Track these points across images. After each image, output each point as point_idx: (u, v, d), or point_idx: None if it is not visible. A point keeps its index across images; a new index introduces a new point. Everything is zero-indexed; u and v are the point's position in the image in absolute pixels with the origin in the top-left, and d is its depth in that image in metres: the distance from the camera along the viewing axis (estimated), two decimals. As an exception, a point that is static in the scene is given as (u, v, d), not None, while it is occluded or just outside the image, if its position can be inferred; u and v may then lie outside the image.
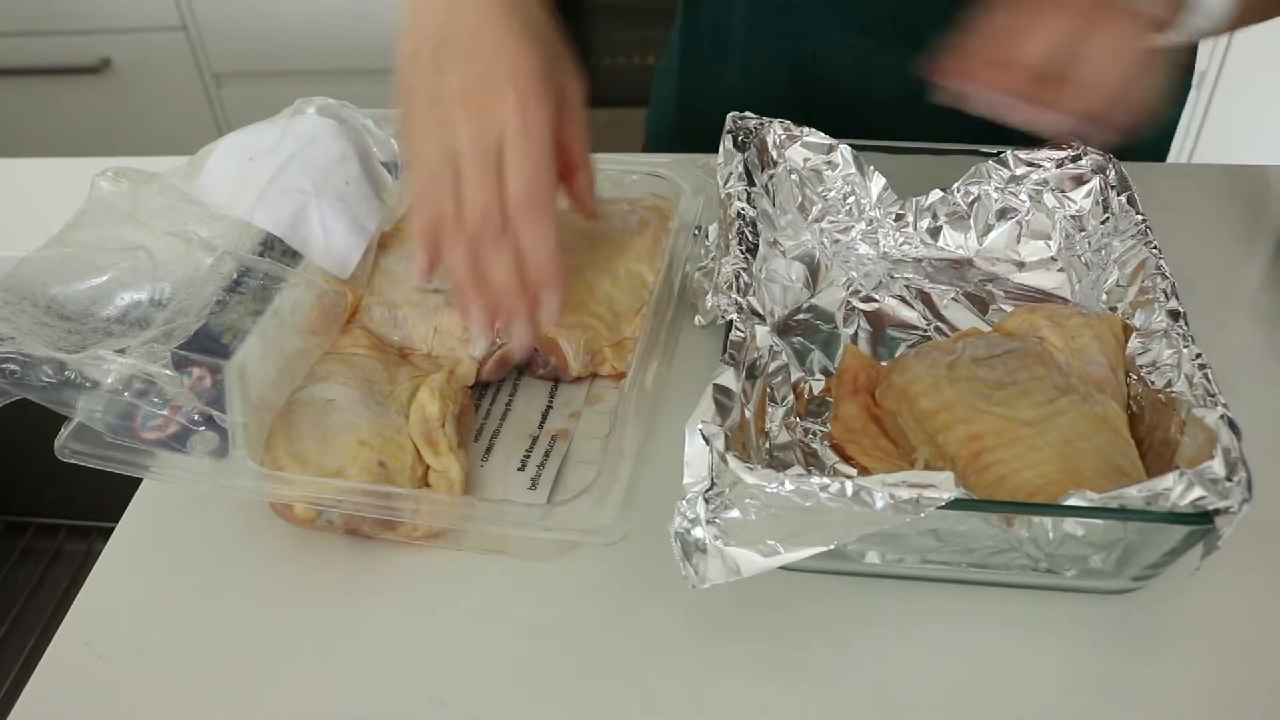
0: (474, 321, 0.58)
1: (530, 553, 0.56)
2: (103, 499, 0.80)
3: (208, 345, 0.54)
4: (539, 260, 0.56)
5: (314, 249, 0.62)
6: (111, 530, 0.59)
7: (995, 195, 0.70)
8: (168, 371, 0.52)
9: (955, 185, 0.70)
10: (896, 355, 0.63)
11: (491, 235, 0.56)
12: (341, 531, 0.57)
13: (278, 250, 0.60)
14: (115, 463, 0.53)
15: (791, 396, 0.59)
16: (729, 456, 0.46)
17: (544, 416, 0.63)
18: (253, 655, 0.52)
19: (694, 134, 0.88)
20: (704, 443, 0.47)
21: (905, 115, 0.73)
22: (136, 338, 0.53)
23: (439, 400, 0.58)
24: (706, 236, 0.67)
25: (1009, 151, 0.69)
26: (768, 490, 0.45)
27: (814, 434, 0.59)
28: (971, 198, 0.70)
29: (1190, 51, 0.89)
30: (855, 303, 0.67)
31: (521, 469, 0.60)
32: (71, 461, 0.53)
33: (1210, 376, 0.51)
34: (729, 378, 0.51)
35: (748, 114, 0.70)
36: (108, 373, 0.52)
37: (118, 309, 0.57)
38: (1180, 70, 0.88)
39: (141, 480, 0.60)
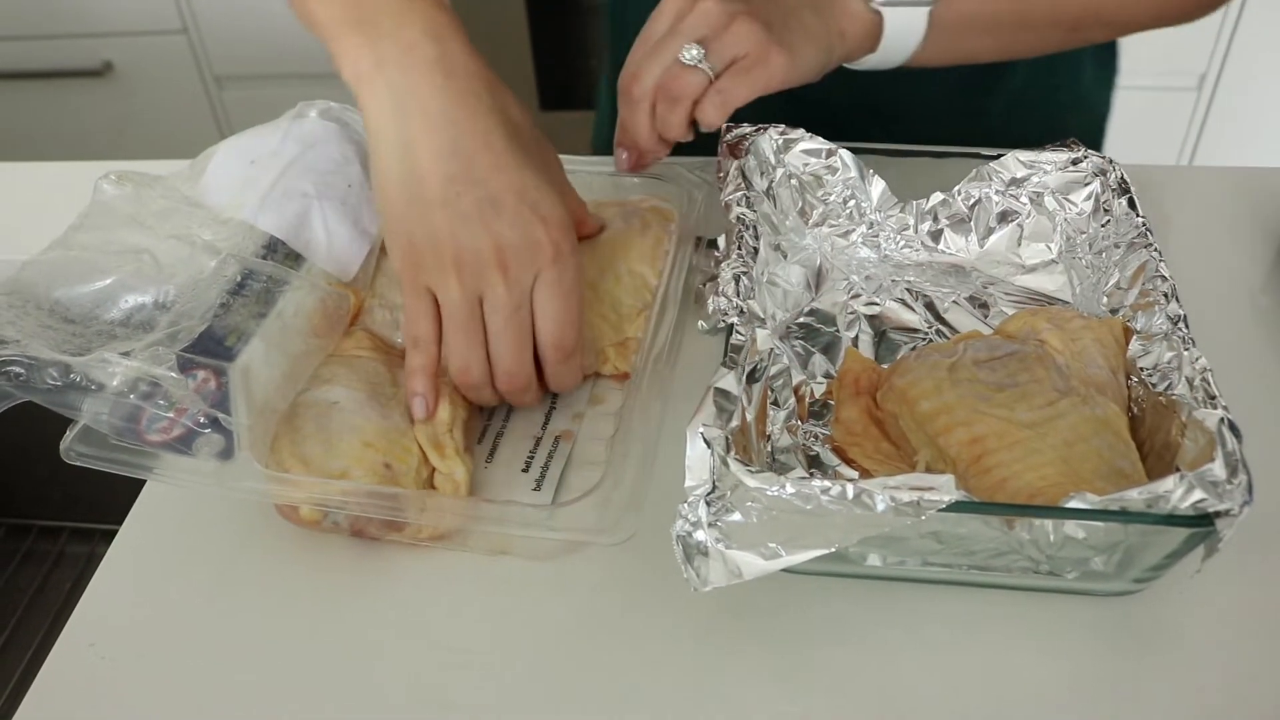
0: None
1: (536, 553, 0.56)
2: (106, 501, 0.80)
3: (212, 348, 0.54)
4: (564, 390, 0.62)
5: (317, 252, 0.62)
6: (114, 532, 0.59)
7: (996, 198, 0.70)
8: (173, 374, 0.52)
9: (956, 189, 0.70)
10: (898, 358, 0.63)
11: (520, 388, 0.59)
12: (347, 533, 0.57)
13: (281, 253, 0.61)
14: (120, 465, 0.53)
15: (793, 400, 0.60)
16: (730, 459, 0.46)
17: (547, 418, 0.63)
18: (257, 657, 0.53)
19: None
20: (705, 446, 0.47)
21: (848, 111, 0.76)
22: (141, 341, 0.53)
23: (448, 405, 0.58)
24: (715, 247, 0.67)
25: (1010, 154, 0.69)
26: (769, 493, 0.45)
27: (815, 437, 0.59)
28: (972, 201, 0.70)
29: (1109, 45, 0.91)
30: (856, 306, 0.67)
31: (525, 470, 0.60)
32: (77, 464, 0.53)
33: (1211, 379, 0.51)
34: (729, 381, 0.51)
35: (742, 124, 0.71)
36: (113, 375, 0.52)
37: (122, 312, 0.57)
38: (1102, 62, 0.89)
39: (145, 482, 0.60)
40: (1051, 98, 0.88)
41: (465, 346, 0.57)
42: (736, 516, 0.46)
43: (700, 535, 0.46)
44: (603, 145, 0.99)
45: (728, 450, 0.47)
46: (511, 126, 0.56)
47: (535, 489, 0.59)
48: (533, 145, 0.57)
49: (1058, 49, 0.77)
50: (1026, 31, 0.72)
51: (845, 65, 0.69)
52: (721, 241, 0.67)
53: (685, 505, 0.47)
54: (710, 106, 0.63)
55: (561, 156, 0.63)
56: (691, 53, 0.62)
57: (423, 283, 0.56)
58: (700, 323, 0.64)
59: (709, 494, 0.46)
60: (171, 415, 0.52)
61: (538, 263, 0.55)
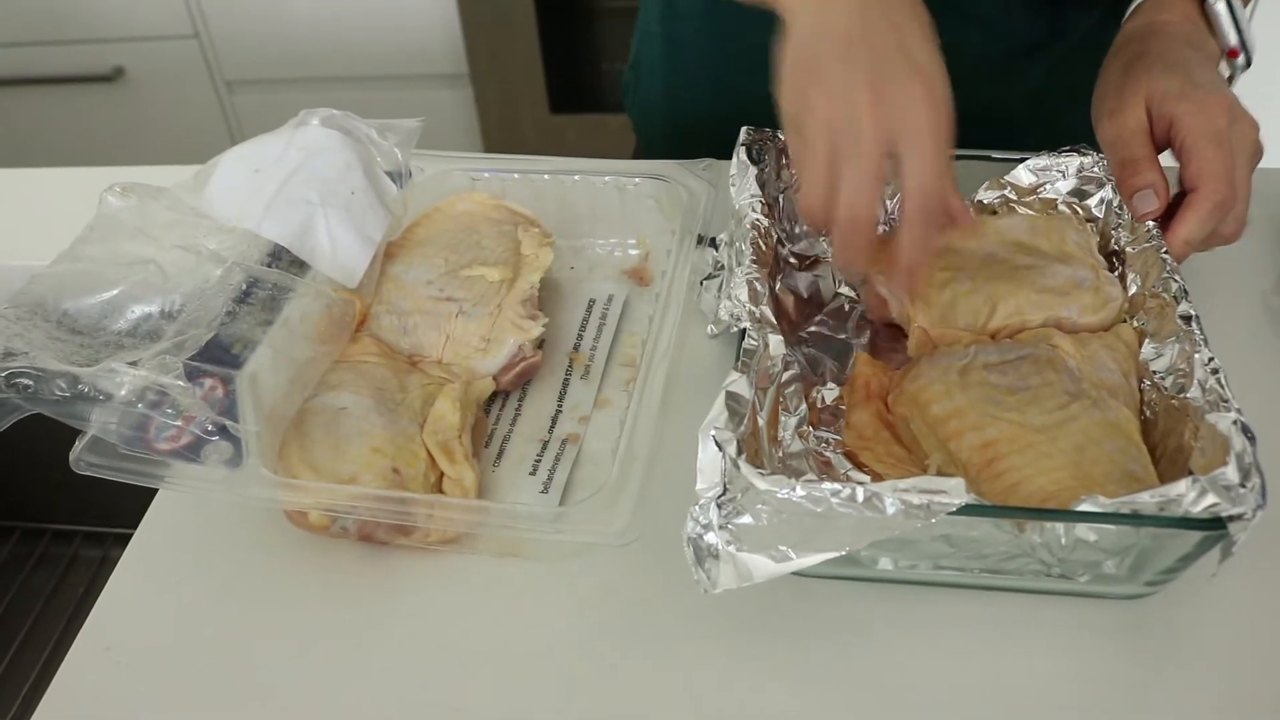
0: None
1: (544, 555, 0.56)
2: (117, 506, 0.81)
3: (219, 356, 0.54)
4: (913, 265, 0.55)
5: (321, 259, 0.62)
6: (127, 536, 0.59)
7: (1011, 204, 0.70)
8: (180, 383, 0.52)
9: (969, 195, 0.70)
10: (909, 362, 0.63)
11: (859, 223, 0.54)
12: (356, 538, 0.57)
13: (285, 261, 0.61)
14: (131, 474, 0.53)
15: (804, 406, 0.59)
16: (741, 462, 0.46)
17: (554, 421, 0.63)
18: (268, 660, 0.53)
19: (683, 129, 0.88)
20: (717, 448, 0.47)
21: None
22: (148, 350, 0.54)
23: (459, 410, 0.58)
24: (715, 247, 0.67)
25: (1022, 160, 0.69)
26: (779, 496, 0.45)
27: (827, 442, 0.59)
28: (988, 206, 0.70)
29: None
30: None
31: (533, 473, 0.60)
32: (87, 474, 0.53)
33: (1223, 381, 0.51)
34: (742, 385, 0.51)
35: (763, 128, 0.70)
36: (121, 385, 0.52)
37: (129, 322, 0.57)
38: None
39: (157, 489, 0.60)
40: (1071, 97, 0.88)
41: (815, 171, 0.54)
42: (747, 519, 0.46)
43: (711, 538, 0.46)
44: (655, 138, 0.98)
45: (739, 453, 0.47)
46: (919, 18, 0.55)
47: (543, 491, 0.59)
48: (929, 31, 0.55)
49: None
50: None
51: None
52: (722, 239, 0.67)
53: (696, 508, 0.47)
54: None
55: (570, 159, 0.62)
56: None
57: (804, 112, 0.54)
58: (710, 327, 0.64)
59: (720, 496, 0.46)
60: (180, 423, 0.53)
61: (911, 107, 0.52)
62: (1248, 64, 0.71)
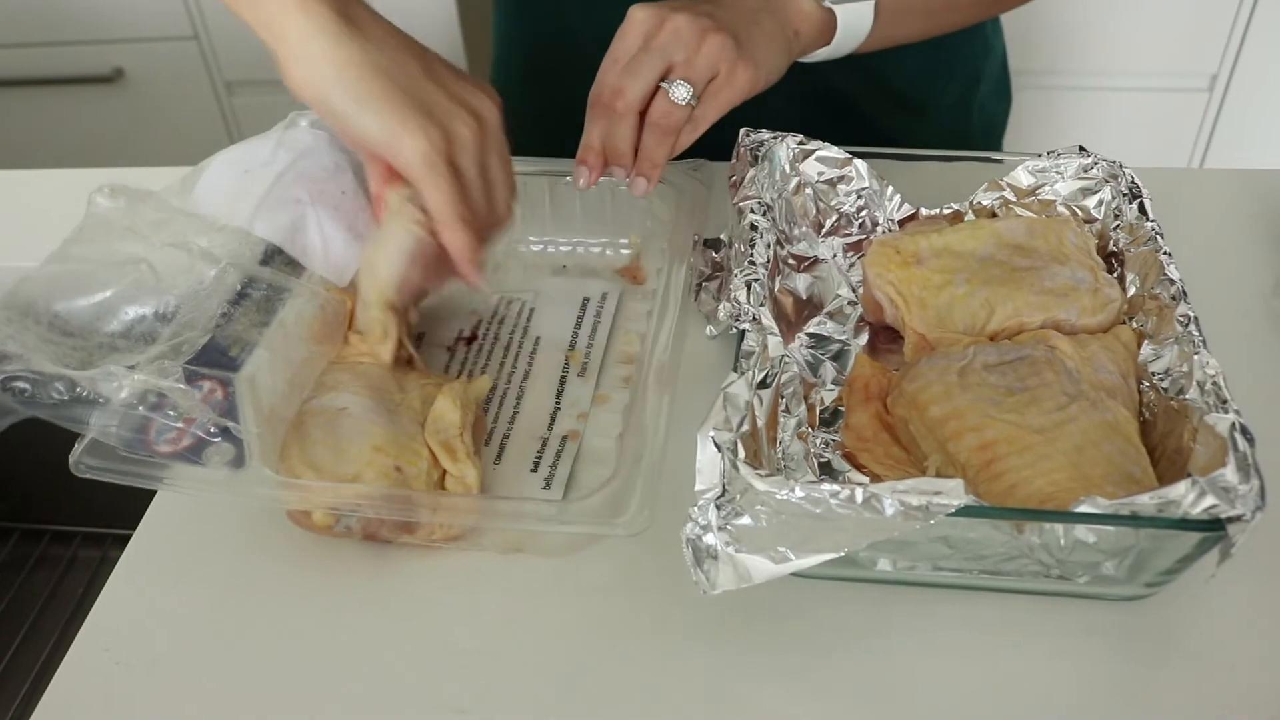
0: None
1: (549, 550, 0.56)
2: (117, 506, 0.80)
3: (216, 358, 0.54)
4: None
5: (313, 258, 0.62)
6: (126, 537, 0.59)
7: (1010, 206, 0.70)
8: (180, 386, 0.52)
9: (969, 197, 0.70)
10: (908, 363, 0.63)
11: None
12: (359, 537, 0.57)
13: (279, 261, 0.61)
14: (131, 476, 0.53)
15: (803, 408, 0.59)
16: (740, 463, 0.47)
17: (552, 419, 0.64)
18: (271, 661, 0.53)
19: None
20: (716, 449, 0.47)
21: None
22: (144, 353, 0.54)
23: (459, 408, 0.58)
24: (714, 249, 0.67)
25: (1021, 162, 0.69)
26: (778, 497, 0.45)
27: (826, 444, 0.59)
28: (986, 208, 0.70)
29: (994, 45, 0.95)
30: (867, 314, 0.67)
31: (534, 470, 0.60)
32: (88, 477, 0.53)
33: (1222, 383, 0.51)
34: (740, 386, 0.51)
35: (761, 130, 0.71)
36: (119, 389, 0.52)
37: (122, 324, 0.57)
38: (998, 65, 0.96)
39: (157, 490, 0.60)
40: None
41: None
42: (746, 520, 0.46)
43: (710, 539, 0.46)
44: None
45: (738, 454, 0.47)
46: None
47: (545, 487, 0.59)
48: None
49: (977, 20, 0.84)
50: (953, 12, 0.78)
51: (798, 60, 0.71)
52: (722, 240, 0.67)
53: (695, 509, 0.47)
54: (684, 137, 0.66)
55: (561, 160, 0.66)
56: (681, 93, 0.64)
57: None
58: (709, 329, 0.64)
59: (719, 497, 0.46)
60: (181, 425, 0.53)
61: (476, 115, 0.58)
62: None
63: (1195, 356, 0.53)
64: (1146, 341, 0.58)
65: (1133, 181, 0.67)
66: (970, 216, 0.70)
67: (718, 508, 0.46)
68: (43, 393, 0.52)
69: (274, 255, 0.61)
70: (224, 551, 0.58)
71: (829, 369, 0.64)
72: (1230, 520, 0.44)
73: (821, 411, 0.61)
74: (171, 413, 0.53)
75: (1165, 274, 0.59)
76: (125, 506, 0.62)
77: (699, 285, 0.67)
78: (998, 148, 1.01)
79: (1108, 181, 0.68)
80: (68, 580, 0.91)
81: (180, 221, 0.61)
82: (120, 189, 0.62)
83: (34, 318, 0.56)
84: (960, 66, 0.92)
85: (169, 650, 0.54)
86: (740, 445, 0.48)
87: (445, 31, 1.78)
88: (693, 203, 0.72)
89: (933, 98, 0.91)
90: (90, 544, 0.92)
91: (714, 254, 0.68)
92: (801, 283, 0.68)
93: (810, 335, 0.66)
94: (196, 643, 0.54)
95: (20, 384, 0.52)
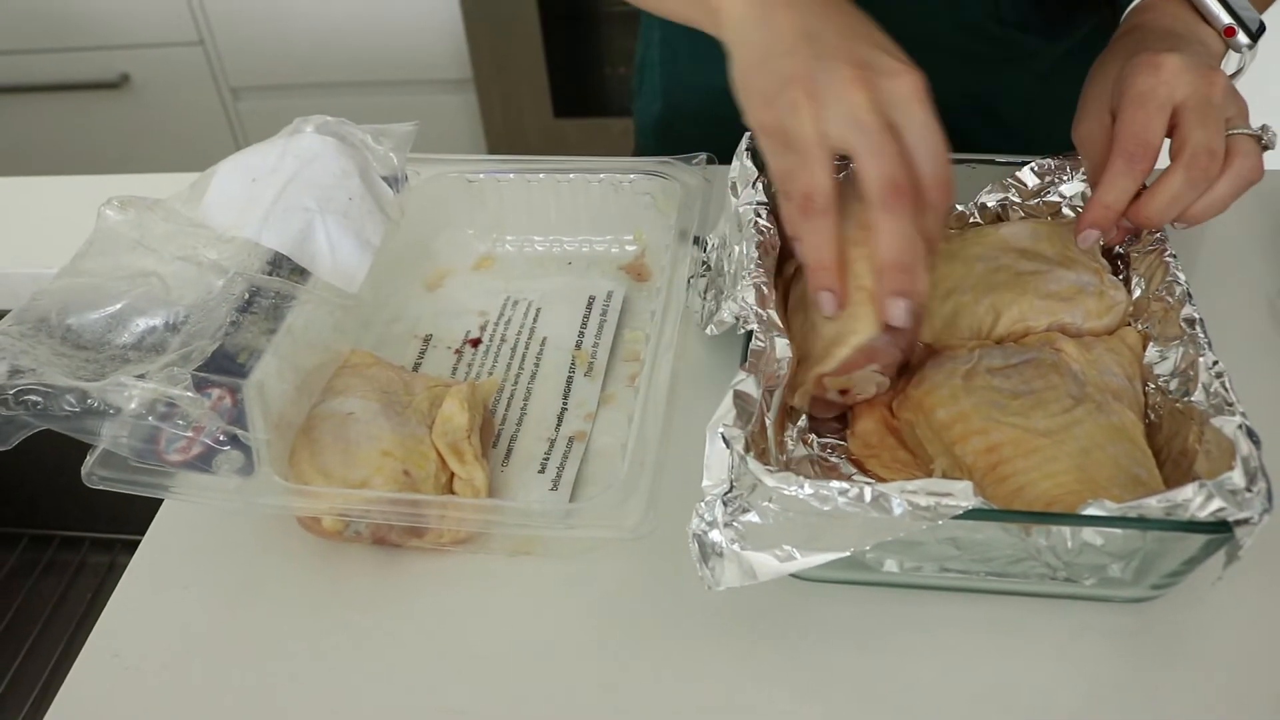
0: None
1: (557, 553, 0.56)
2: (126, 512, 0.81)
3: (225, 366, 0.54)
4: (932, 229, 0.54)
5: (321, 265, 0.62)
6: (135, 543, 0.59)
7: (1014, 207, 0.70)
8: (189, 394, 0.52)
9: (975, 198, 0.70)
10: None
11: (907, 204, 0.51)
12: (368, 541, 0.57)
13: (286, 268, 0.61)
14: (143, 486, 0.53)
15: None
16: (749, 459, 0.47)
17: (559, 419, 0.64)
18: (281, 666, 0.53)
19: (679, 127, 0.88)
20: (724, 445, 0.48)
21: None
22: (154, 363, 0.54)
23: (467, 411, 0.58)
24: (704, 249, 0.67)
25: (1027, 163, 0.69)
26: (786, 493, 0.45)
27: (831, 448, 0.59)
28: (991, 210, 0.70)
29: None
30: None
31: (541, 471, 0.61)
32: (100, 488, 0.53)
33: (1228, 385, 0.51)
34: (750, 384, 0.51)
35: None
36: (129, 399, 0.52)
37: (133, 335, 0.57)
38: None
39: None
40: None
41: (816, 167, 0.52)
42: (753, 517, 0.46)
43: (716, 535, 0.46)
44: (648, 141, 0.98)
45: (747, 450, 0.47)
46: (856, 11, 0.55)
47: (552, 489, 0.59)
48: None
49: None
50: None
51: None
52: (712, 241, 0.66)
53: (702, 504, 0.47)
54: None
55: (565, 159, 0.64)
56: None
57: (780, 127, 0.53)
58: (710, 327, 0.64)
59: (726, 494, 0.47)
60: (190, 434, 0.53)
61: (894, 78, 0.51)
62: (1252, 37, 0.66)
63: (1201, 359, 0.53)
64: (1152, 344, 0.58)
65: (1138, 184, 0.67)
66: (975, 219, 0.70)
67: (725, 504, 0.46)
68: (55, 405, 0.52)
69: (280, 263, 0.61)
70: (233, 556, 0.58)
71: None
72: (1237, 523, 0.44)
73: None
74: (181, 422, 0.53)
75: (1171, 276, 0.59)
76: (134, 512, 0.62)
77: (688, 283, 0.67)
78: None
79: (1113, 184, 0.68)
80: (76, 586, 0.91)
81: (189, 234, 0.61)
82: (129, 201, 0.62)
83: (47, 332, 0.56)
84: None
85: (179, 655, 0.54)
86: (749, 442, 0.48)
87: (445, 30, 1.78)
88: (695, 198, 0.71)
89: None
90: (99, 549, 0.93)
91: (703, 253, 0.68)
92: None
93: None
94: (206, 647, 0.54)
95: (33, 397, 0.52)
